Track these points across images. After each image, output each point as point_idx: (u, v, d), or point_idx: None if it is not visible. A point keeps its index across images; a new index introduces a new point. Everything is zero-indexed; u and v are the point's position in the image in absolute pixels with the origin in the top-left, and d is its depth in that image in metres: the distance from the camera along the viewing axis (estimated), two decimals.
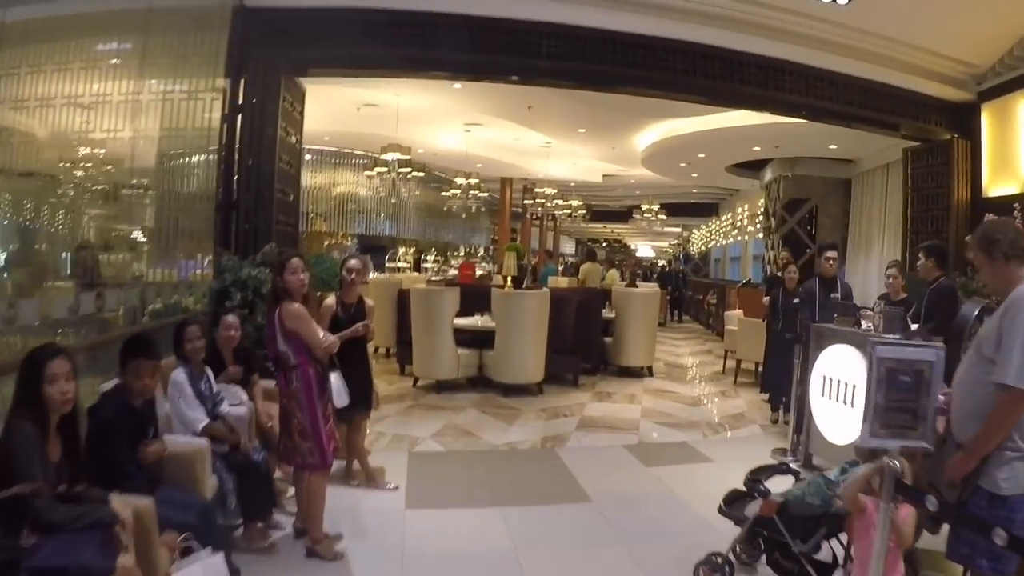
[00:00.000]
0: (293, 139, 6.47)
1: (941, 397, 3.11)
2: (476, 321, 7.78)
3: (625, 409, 7.07)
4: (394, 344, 8.75)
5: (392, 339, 8.72)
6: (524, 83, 7.18)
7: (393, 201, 17.04)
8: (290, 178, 6.47)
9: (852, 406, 4.83)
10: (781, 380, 6.59)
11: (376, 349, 8.95)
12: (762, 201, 13.90)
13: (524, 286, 10.12)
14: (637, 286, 10.56)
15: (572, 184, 18.27)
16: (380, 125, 11.58)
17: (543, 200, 16.56)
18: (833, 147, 10.08)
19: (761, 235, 14.47)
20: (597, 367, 8.73)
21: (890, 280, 5.51)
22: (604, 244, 42.41)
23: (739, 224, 17.82)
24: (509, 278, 9.98)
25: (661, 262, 38.17)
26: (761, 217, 13.98)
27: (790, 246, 11.36)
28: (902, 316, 4.77)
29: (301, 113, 6.60)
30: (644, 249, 47.19)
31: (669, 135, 11.36)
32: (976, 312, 4.74)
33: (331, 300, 4.36)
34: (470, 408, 6.84)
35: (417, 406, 6.86)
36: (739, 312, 9.87)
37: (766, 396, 7.54)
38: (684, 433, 6.25)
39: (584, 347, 8.24)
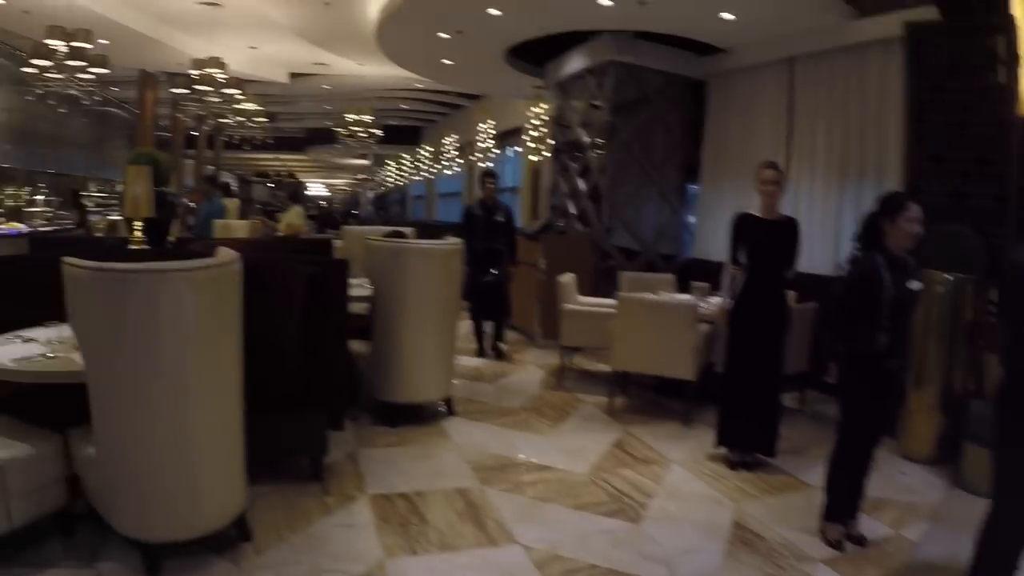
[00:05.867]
0: None
1: None
2: (33, 350, 2.39)
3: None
4: None
5: None
6: None
7: None
8: None
9: None
10: None
11: None
12: (538, 108, 10.03)
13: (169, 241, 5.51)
14: (404, 235, 4.93)
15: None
16: None
17: (207, 91, 10.11)
18: (728, 16, 6.02)
19: (536, 157, 10.70)
20: (341, 415, 3.71)
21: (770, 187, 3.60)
22: (270, 180, 34.41)
23: (483, 145, 13.76)
24: (137, 224, 4.53)
25: (322, 202, 31.03)
26: (540, 131, 10.11)
27: (615, 166, 7.79)
28: None
29: None
30: (316, 188, 40.22)
31: None
32: None
33: None
34: None
35: None
36: (571, 277, 5.99)
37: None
38: None
39: (321, 380, 3.27)
